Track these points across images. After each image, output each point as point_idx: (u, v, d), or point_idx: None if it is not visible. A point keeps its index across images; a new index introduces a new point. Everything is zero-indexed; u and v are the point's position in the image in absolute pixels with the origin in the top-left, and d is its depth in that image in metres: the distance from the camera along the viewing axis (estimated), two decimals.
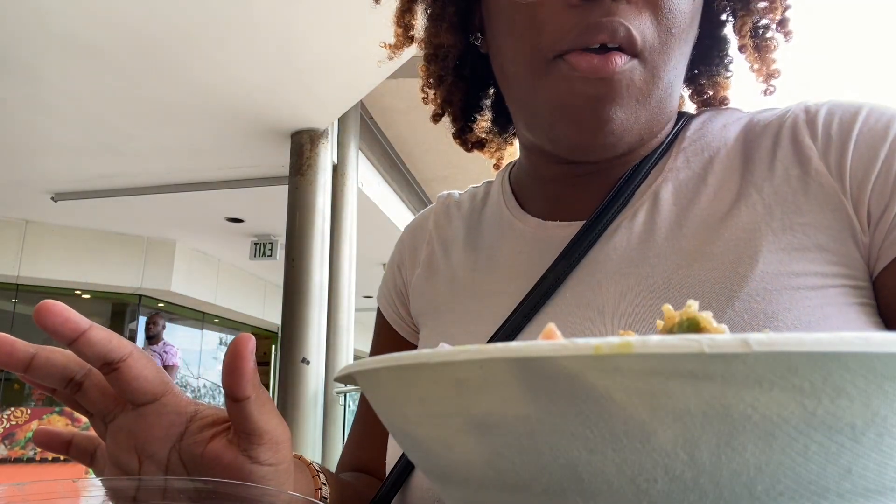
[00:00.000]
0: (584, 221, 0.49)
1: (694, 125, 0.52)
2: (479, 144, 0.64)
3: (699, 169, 0.48)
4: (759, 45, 0.51)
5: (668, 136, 0.51)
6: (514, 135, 0.64)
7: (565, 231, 0.50)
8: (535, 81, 0.45)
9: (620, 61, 0.42)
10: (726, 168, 0.47)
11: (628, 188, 0.49)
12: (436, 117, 0.63)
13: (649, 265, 0.45)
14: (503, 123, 0.64)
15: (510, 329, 0.48)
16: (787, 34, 0.51)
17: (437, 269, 0.59)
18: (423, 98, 0.62)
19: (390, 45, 0.60)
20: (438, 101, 0.61)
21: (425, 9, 0.56)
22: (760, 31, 0.51)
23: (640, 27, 0.42)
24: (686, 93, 0.58)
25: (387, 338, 0.65)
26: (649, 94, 0.44)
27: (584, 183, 0.51)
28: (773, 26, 0.51)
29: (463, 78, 0.59)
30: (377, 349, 0.67)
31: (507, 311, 0.49)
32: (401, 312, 0.63)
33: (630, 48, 0.42)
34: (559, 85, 0.44)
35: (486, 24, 0.52)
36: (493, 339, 0.49)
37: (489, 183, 0.64)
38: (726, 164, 0.48)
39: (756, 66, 0.52)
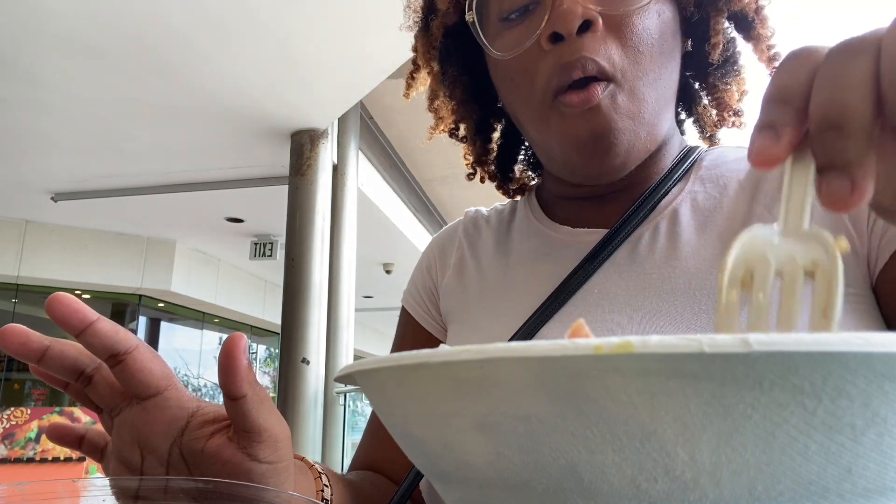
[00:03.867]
0: (609, 229, 0.53)
1: (710, 157, 0.57)
2: (520, 191, 0.69)
3: (716, 194, 0.53)
4: (750, 35, 0.54)
5: (678, 160, 0.56)
6: None
7: (592, 236, 0.55)
8: (541, 125, 0.51)
9: (600, 88, 0.47)
10: (740, 194, 0.51)
11: (650, 202, 0.53)
12: (469, 177, 0.70)
13: (671, 267, 0.49)
14: (537, 167, 0.69)
15: (535, 322, 0.51)
16: (762, 20, 0.53)
17: (467, 270, 0.63)
18: (467, 164, 0.69)
19: (431, 127, 0.67)
20: (471, 163, 0.68)
21: (444, 92, 0.64)
22: (746, 23, 0.54)
23: (607, 54, 0.47)
24: (711, 111, 0.60)
25: (412, 335, 0.67)
26: (639, 110, 0.48)
27: (607, 200, 0.56)
28: (753, 14, 0.53)
29: (489, 140, 0.67)
30: (402, 344, 0.69)
31: (534, 308, 0.52)
32: (430, 311, 0.66)
33: (604, 75, 0.47)
34: (561, 125, 0.49)
35: (496, 88, 0.58)
36: (518, 331, 0.51)
37: (515, 202, 0.69)
38: (739, 190, 0.52)
39: (757, 56, 0.54)
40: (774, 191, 0.50)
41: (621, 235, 0.52)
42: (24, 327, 0.35)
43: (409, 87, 0.66)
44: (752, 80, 0.57)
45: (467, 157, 0.68)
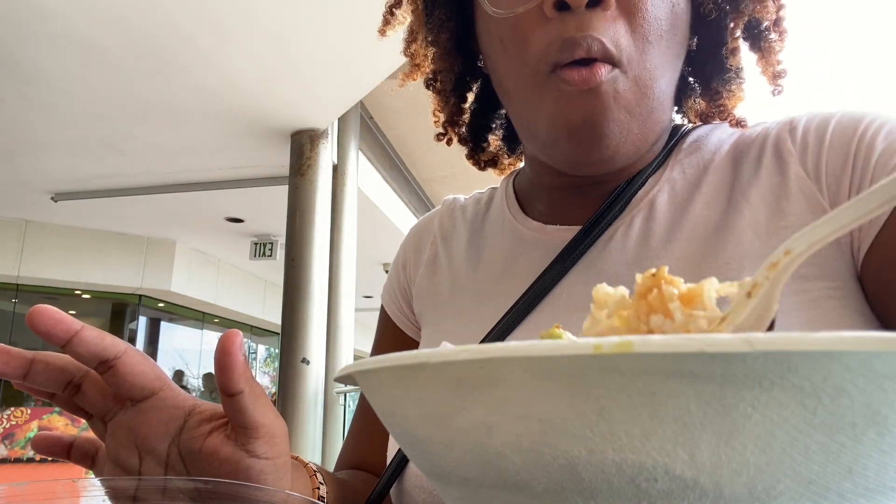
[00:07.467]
0: (582, 226, 0.51)
1: (690, 138, 0.54)
2: (492, 163, 0.65)
3: (694, 178, 0.50)
4: (760, 46, 0.51)
5: (664, 147, 0.53)
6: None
7: (564, 234, 0.52)
8: (532, 98, 0.46)
9: (604, 71, 0.43)
10: (718, 178, 0.50)
11: (625, 196, 0.51)
12: (439, 137, 0.64)
13: (643, 269, 0.46)
14: (512, 141, 0.64)
15: (504, 327, 0.49)
16: (780, 33, 0.51)
17: (440, 269, 0.61)
18: (435, 122, 0.63)
19: (404, 74, 0.61)
20: (442, 122, 0.62)
21: (425, 36, 0.58)
22: (758, 32, 0.51)
23: (615, 37, 0.43)
24: (701, 104, 0.56)
25: (390, 335, 0.66)
26: (637, 104, 0.45)
27: (584, 192, 0.53)
28: (769, 25, 0.51)
29: (465, 99, 0.61)
30: (380, 346, 0.68)
31: (505, 311, 0.50)
32: (404, 310, 0.65)
33: (608, 59, 0.43)
34: (556, 102, 0.45)
35: (481, 45, 0.53)
36: (487, 337, 0.50)
37: (493, 189, 0.66)
38: (719, 174, 0.50)
39: (761, 68, 0.52)
40: (752, 173, 0.48)
41: (593, 234, 0.50)
42: (5, 346, 0.34)
43: (386, 22, 0.59)
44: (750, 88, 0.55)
45: (437, 113, 0.62)
